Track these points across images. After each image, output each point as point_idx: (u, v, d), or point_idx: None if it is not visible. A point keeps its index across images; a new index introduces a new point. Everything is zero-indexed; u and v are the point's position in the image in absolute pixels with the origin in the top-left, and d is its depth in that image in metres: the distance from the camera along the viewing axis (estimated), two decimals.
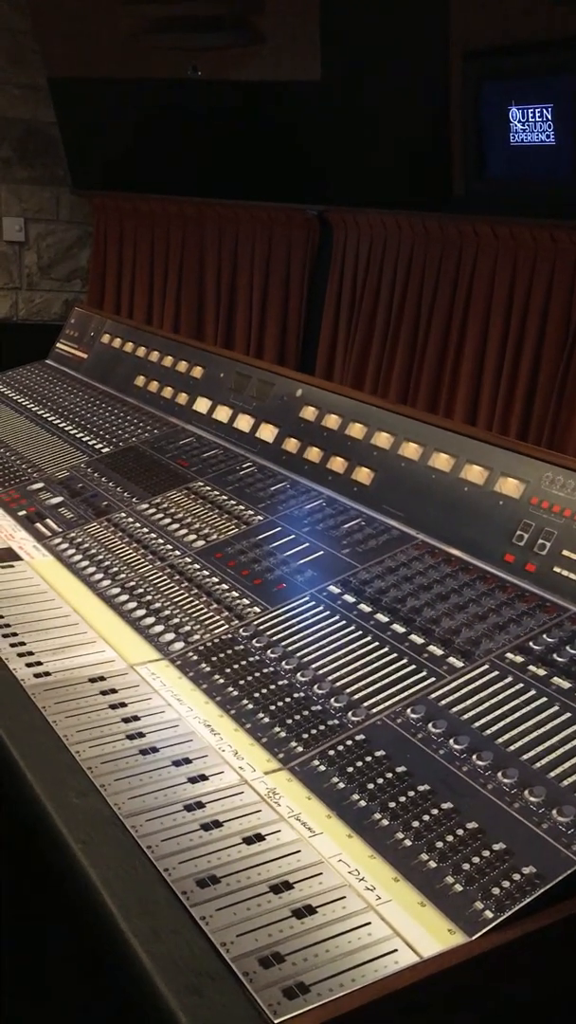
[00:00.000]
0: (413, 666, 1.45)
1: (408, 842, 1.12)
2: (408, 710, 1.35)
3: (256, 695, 1.43)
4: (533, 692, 1.35)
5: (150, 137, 4.15)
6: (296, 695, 1.42)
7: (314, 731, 1.34)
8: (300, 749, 1.31)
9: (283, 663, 1.49)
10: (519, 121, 3.03)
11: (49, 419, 2.79)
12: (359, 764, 1.26)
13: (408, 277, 3.58)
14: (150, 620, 1.67)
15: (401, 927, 1.01)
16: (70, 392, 2.99)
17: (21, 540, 2.05)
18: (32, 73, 4.28)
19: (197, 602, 1.71)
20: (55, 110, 4.32)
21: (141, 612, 1.70)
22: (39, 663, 1.53)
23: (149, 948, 0.96)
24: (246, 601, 1.69)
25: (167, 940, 0.98)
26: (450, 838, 1.12)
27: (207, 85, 3.81)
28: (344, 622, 1.58)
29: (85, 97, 4.21)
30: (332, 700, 1.39)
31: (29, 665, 1.52)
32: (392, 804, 1.18)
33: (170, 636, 1.61)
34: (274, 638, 1.57)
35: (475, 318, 3.39)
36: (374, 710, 1.36)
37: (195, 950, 0.97)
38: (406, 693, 1.39)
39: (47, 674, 1.50)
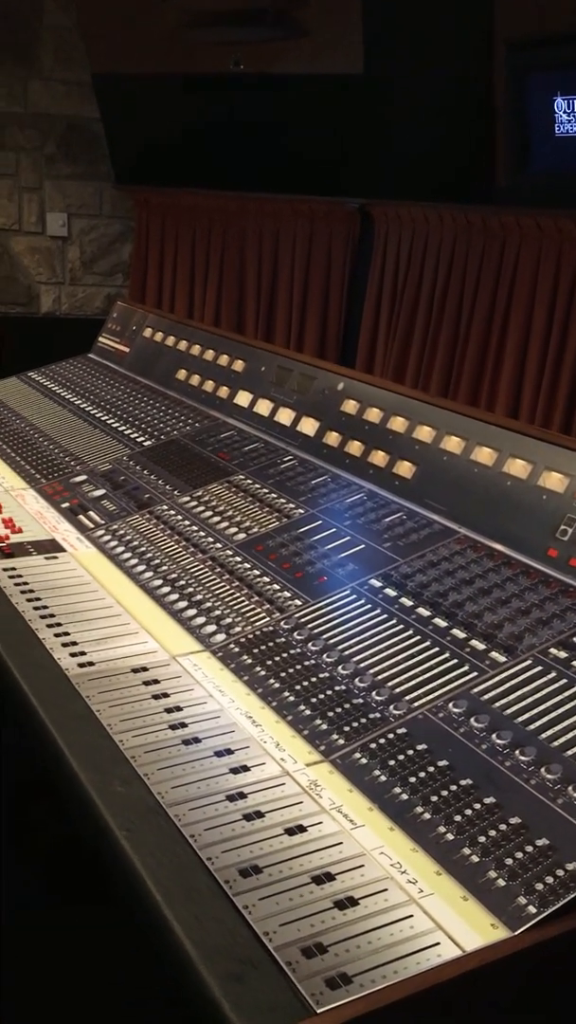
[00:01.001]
0: (455, 660, 1.44)
1: (450, 836, 1.12)
2: (450, 704, 1.34)
3: (297, 687, 1.43)
4: None
5: (192, 131, 4.16)
6: (337, 688, 1.42)
7: (355, 724, 1.34)
8: (341, 742, 1.31)
9: (324, 656, 1.50)
10: (564, 112, 2.99)
11: (91, 412, 2.81)
12: (400, 757, 1.26)
13: (450, 270, 3.56)
14: (192, 612, 1.68)
15: (443, 921, 1.01)
16: (112, 386, 3.02)
17: (65, 532, 2.07)
18: (77, 69, 4.32)
19: (238, 594, 1.72)
20: (99, 106, 4.35)
21: (183, 604, 1.71)
22: (83, 653, 1.55)
23: (192, 936, 0.97)
24: (287, 594, 1.69)
25: (210, 928, 0.99)
26: (493, 833, 1.12)
27: (249, 79, 3.81)
28: (385, 616, 1.58)
29: (128, 92, 4.23)
30: (373, 693, 1.39)
31: (73, 655, 1.54)
32: (434, 798, 1.18)
33: (211, 628, 1.62)
34: (315, 631, 1.57)
35: (518, 311, 3.36)
36: (416, 704, 1.36)
37: (238, 939, 0.97)
38: (448, 687, 1.39)
39: (91, 664, 1.51)
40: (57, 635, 1.60)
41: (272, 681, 1.46)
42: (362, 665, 1.46)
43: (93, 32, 4.17)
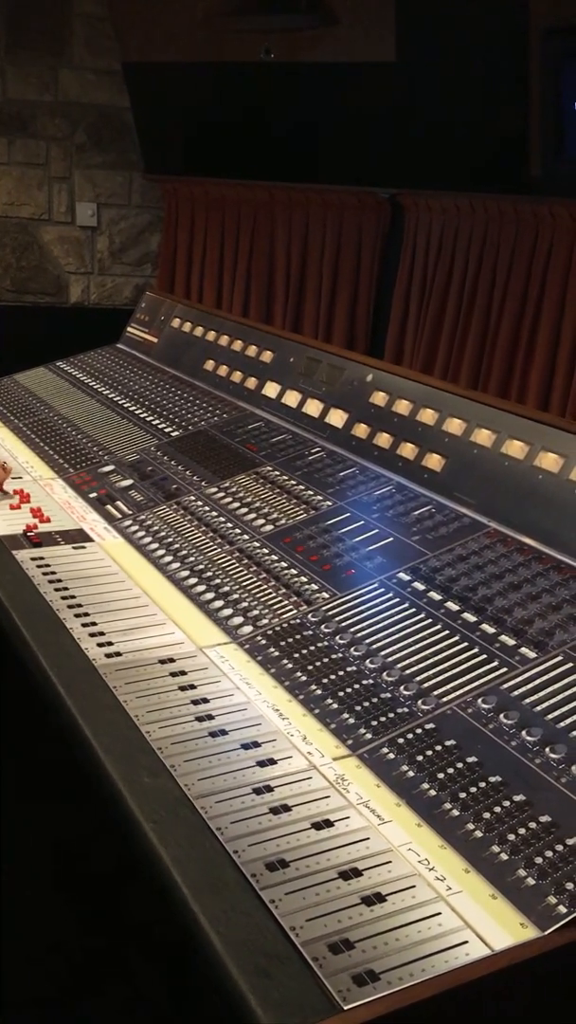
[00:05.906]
0: (484, 656, 1.43)
1: (479, 833, 1.11)
2: (479, 700, 1.33)
3: (325, 681, 1.42)
4: None
5: (222, 121, 4.14)
6: (365, 682, 1.41)
7: (383, 718, 1.33)
8: (369, 736, 1.30)
9: (352, 649, 1.49)
10: None
11: (120, 402, 2.82)
12: (429, 753, 1.25)
13: (481, 260, 3.52)
14: (219, 603, 1.68)
15: (472, 919, 1.00)
16: (140, 376, 3.02)
17: (92, 522, 2.08)
18: (107, 58, 4.31)
19: (266, 586, 1.71)
20: (129, 95, 4.34)
21: (210, 595, 1.71)
22: (110, 643, 1.55)
23: (220, 929, 0.97)
24: (315, 587, 1.68)
25: (237, 922, 0.98)
26: (522, 831, 1.10)
27: (280, 68, 3.78)
28: (414, 609, 1.56)
29: (158, 82, 4.22)
30: (402, 688, 1.38)
31: (100, 645, 1.54)
32: (463, 794, 1.17)
33: (239, 620, 1.62)
34: (343, 624, 1.56)
35: (550, 302, 3.32)
36: (444, 699, 1.35)
37: (265, 933, 0.97)
38: (477, 683, 1.37)
39: (118, 654, 1.51)
40: (84, 625, 1.60)
41: (299, 674, 1.45)
42: (390, 659, 1.45)
43: (124, 21, 4.16)
